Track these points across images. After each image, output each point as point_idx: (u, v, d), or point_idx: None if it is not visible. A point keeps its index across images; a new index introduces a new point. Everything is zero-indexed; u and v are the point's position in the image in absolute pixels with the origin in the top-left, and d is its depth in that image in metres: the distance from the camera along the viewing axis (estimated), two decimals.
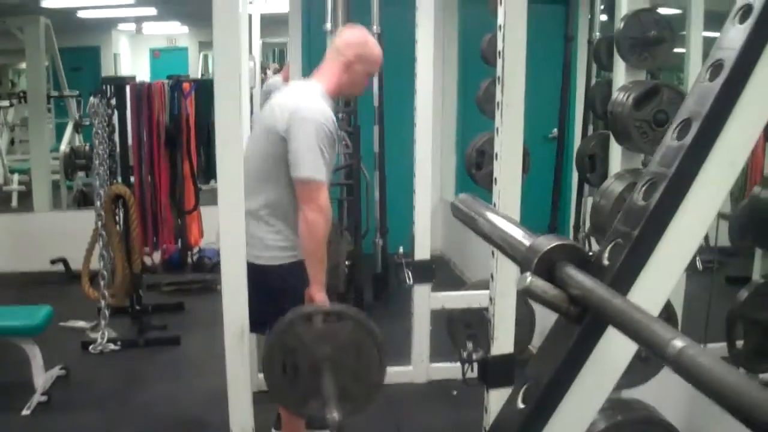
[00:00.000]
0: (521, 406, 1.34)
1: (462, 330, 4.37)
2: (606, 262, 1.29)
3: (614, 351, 1.25)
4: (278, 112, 3.37)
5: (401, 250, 5.27)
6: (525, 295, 1.24)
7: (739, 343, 3.40)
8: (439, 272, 5.24)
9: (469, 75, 7.46)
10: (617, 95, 3.40)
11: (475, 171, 5.03)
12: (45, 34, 8.44)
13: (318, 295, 3.35)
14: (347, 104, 6.15)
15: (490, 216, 1.64)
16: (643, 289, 1.29)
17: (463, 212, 1.78)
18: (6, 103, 10.04)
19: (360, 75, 3.56)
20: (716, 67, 1.29)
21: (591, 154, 4.22)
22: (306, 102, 3.37)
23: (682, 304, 4.34)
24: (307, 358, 2.76)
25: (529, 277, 1.23)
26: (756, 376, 3.44)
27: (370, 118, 6.14)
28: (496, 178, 2.89)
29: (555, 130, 6.57)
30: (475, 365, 3.78)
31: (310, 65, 7.03)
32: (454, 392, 4.68)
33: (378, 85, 6.10)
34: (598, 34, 5.88)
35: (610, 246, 1.30)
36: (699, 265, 4.52)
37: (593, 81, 5.75)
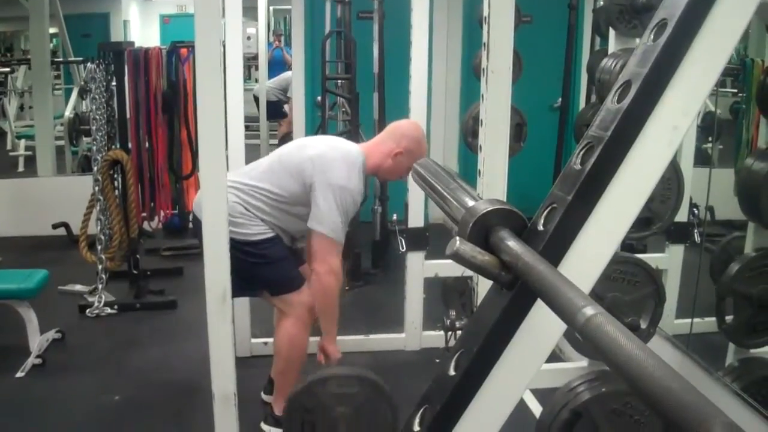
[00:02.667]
0: (452, 373, 1.31)
1: (456, 298, 4.35)
2: (541, 227, 1.25)
3: (546, 320, 1.21)
4: (309, 164, 3.59)
5: (395, 217, 5.26)
6: (454, 260, 1.20)
7: (729, 318, 3.37)
8: (440, 241, 5.21)
9: (474, 44, 7.38)
10: (606, 62, 3.36)
11: (471, 139, 4.98)
12: (50, 1, 8.38)
13: (330, 347, 3.71)
14: (347, 71, 6.12)
15: (443, 180, 1.62)
16: (576, 257, 1.25)
17: (421, 175, 1.76)
18: (7, 69, 9.99)
19: (402, 166, 3.76)
20: (660, 27, 1.24)
21: (588, 123, 4.17)
22: (342, 168, 3.58)
23: (680, 276, 4.33)
24: (323, 418, 2.78)
25: (457, 242, 1.20)
26: (747, 351, 3.42)
27: (370, 85, 6.09)
28: (481, 146, 2.84)
29: (559, 100, 6.50)
30: (459, 333, 3.78)
31: (312, 30, 7.05)
32: (437, 360, 4.68)
33: (378, 52, 6.03)
34: (601, 2, 5.79)
35: (546, 211, 1.26)
36: (697, 237, 4.49)
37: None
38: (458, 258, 1.20)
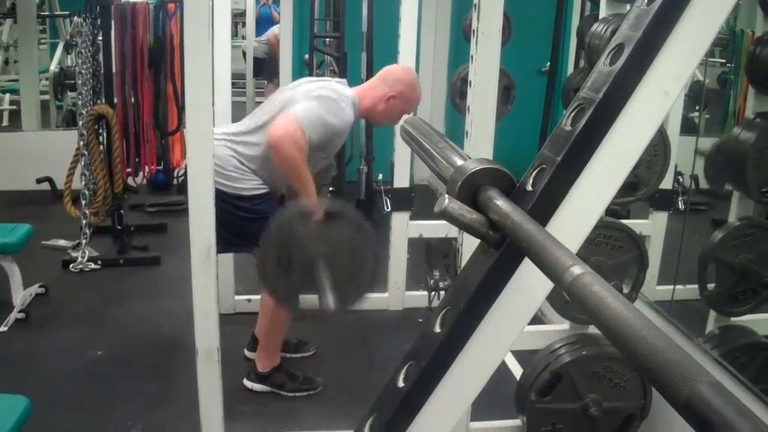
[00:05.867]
0: (438, 330, 1.32)
1: (440, 259, 4.37)
2: (529, 188, 1.25)
3: (532, 279, 1.22)
4: (300, 91, 3.56)
5: (380, 177, 5.26)
6: (442, 218, 1.21)
7: (711, 286, 3.40)
8: (425, 202, 5.23)
9: (464, 5, 7.33)
10: (596, 27, 3.35)
11: (458, 100, 4.99)
12: None
13: (311, 203, 3.43)
14: (335, 29, 6.08)
15: (432, 139, 1.61)
16: (564, 217, 1.26)
17: (409, 134, 1.76)
18: None
19: (395, 110, 3.72)
20: None
21: (576, 88, 4.16)
22: (332, 92, 3.54)
23: (662, 244, 4.35)
24: (302, 253, 2.75)
25: (446, 200, 1.20)
26: (727, 319, 3.46)
27: (358, 45, 6.05)
28: (469, 107, 2.84)
29: (548, 64, 6.46)
30: (442, 294, 3.80)
31: None
32: (420, 320, 4.71)
33: (367, 11, 5.99)
34: None
35: (535, 172, 1.26)
36: (680, 205, 4.51)
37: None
38: (447, 216, 1.20)
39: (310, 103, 3.44)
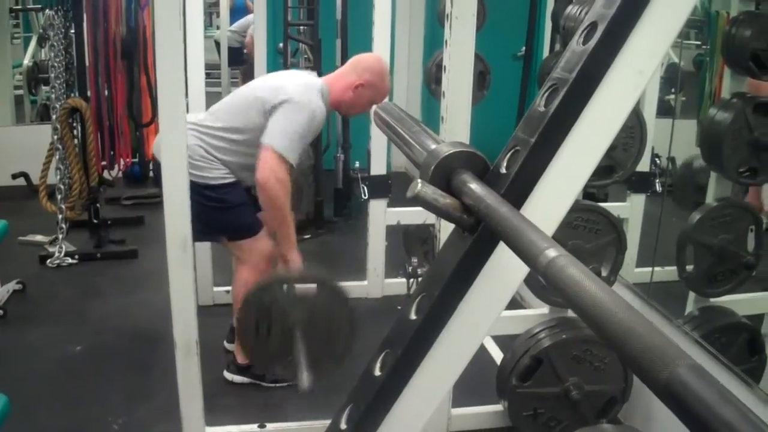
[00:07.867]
0: (413, 317, 1.30)
1: (418, 245, 4.36)
2: (503, 170, 1.23)
3: (508, 263, 1.20)
4: (269, 91, 3.52)
5: (357, 165, 5.25)
6: (415, 203, 1.19)
7: (690, 267, 3.40)
8: (402, 189, 5.20)
9: None
10: (570, 10, 3.34)
11: (434, 86, 4.97)
12: None
13: (290, 253, 3.55)
14: (309, 16, 6.05)
15: (406, 124, 1.60)
16: (539, 200, 1.24)
17: (383, 119, 1.74)
18: None
19: (363, 99, 3.69)
20: None
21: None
22: (302, 91, 3.50)
23: (641, 225, 4.36)
24: (280, 319, 2.75)
25: (419, 184, 1.18)
26: (706, 300, 3.46)
27: (333, 32, 6.01)
28: (444, 92, 2.83)
29: (523, 48, 6.44)
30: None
31: None
32: (399, 307, 4.69)
33: None
34: None
35: (509, 154, 1.24)
36: (658, 187, 4.52)
37: None
38: (420, 200, 1.18)
39: (285, 118, 3.42)
